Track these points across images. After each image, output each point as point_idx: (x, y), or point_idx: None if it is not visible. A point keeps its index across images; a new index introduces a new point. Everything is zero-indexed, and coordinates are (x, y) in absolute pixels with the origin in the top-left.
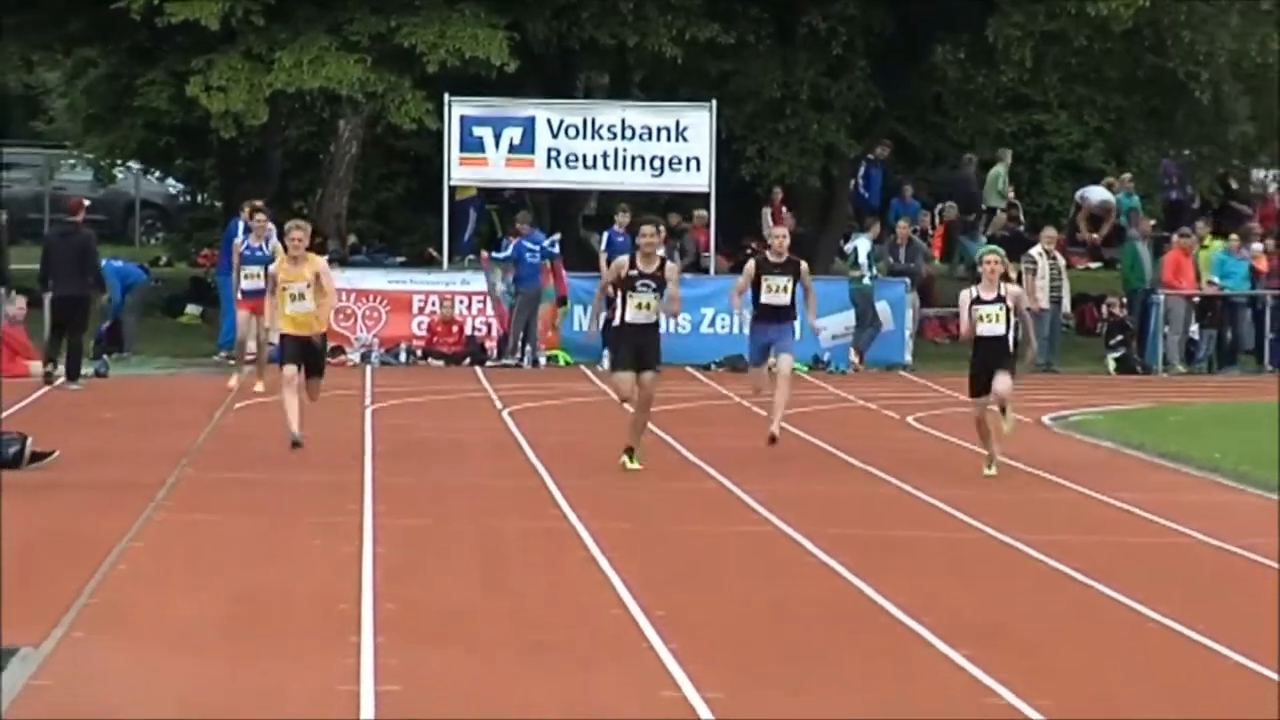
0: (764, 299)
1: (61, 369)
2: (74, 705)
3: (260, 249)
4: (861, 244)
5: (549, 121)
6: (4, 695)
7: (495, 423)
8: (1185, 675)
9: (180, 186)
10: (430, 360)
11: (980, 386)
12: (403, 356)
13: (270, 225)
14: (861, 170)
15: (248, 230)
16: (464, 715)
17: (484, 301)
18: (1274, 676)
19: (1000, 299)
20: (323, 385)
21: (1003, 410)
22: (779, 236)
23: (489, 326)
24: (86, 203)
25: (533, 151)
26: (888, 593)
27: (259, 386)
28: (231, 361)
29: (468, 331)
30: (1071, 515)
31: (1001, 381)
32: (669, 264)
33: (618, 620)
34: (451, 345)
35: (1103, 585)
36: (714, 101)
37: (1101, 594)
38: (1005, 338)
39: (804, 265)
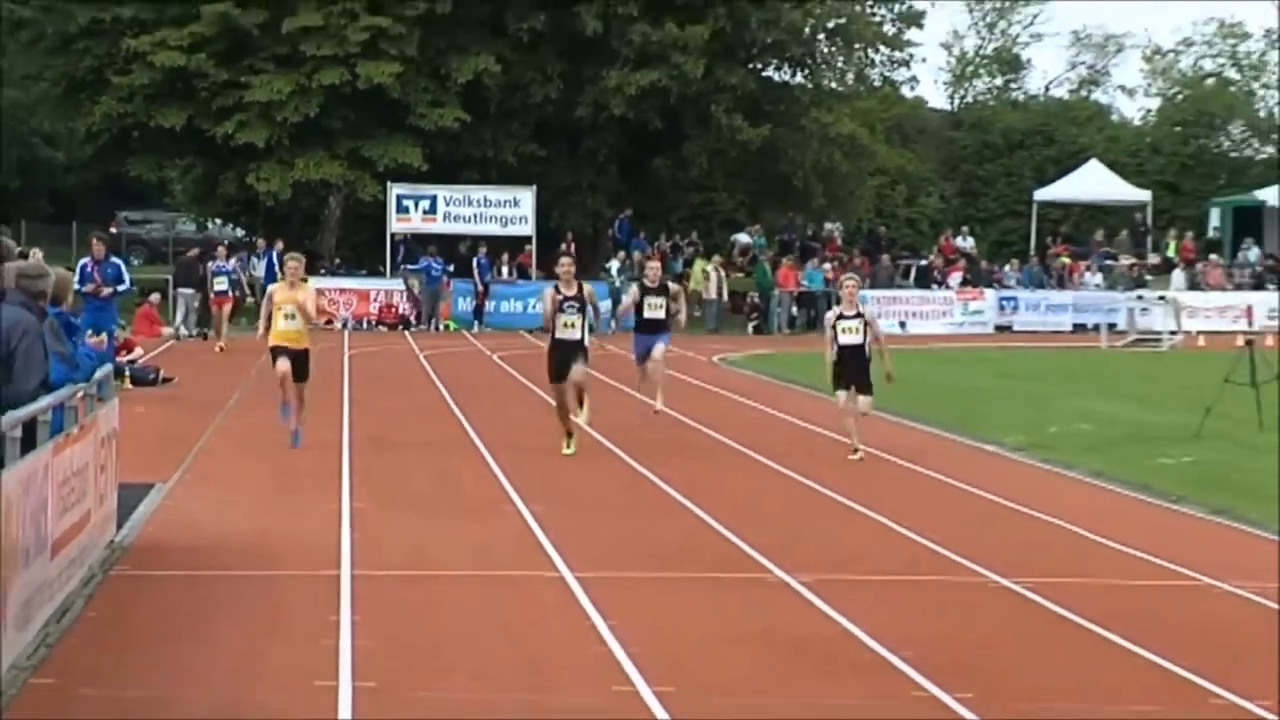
0: (646, 315)
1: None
2: (186, 514)
3: (224, 266)
4: (614, 264)
5: (444, 197)
6: (151, 506)
7: (417, 364)
8: (813, 507)
9: (244, 232)
10: (380, 327)
11: (845, 384)
12: (365, 325)
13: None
14: (616, 224)
15: (279, 255)
16: (402, 541)
17: (405, 295)
18: (849, 501)
19: (859, 315)
20: (314, 355)
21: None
22: (653, 268)
23: (410, 307)
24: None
25: (436, 213)
26: (663, 475)
27: (219, 346)
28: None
29: (401, 311)
30: (736, 417)
31: (865, 402)
32: (585, 286)
33: (495, 489)
34: (391, 319)
35: (771, 461)
36: (534, 186)
37: (773, 468)
38: (862, 346)
39: (674, 287)
